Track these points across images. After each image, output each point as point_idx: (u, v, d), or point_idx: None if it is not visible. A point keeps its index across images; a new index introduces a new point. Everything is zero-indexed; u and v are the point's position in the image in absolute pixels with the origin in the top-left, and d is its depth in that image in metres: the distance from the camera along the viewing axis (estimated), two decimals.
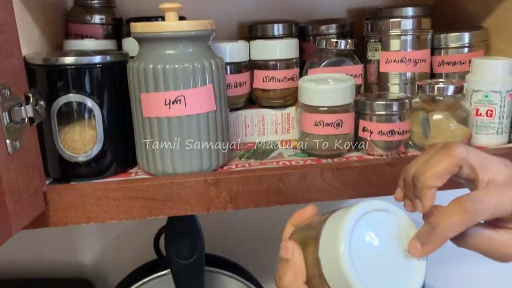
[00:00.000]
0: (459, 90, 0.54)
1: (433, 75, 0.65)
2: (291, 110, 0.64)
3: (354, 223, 0.33)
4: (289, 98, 0.64)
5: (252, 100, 0.66)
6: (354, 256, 0.32)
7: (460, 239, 0.35)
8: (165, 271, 0.71)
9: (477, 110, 0.57)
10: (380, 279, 0.33)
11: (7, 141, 0.41)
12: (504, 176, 0.35)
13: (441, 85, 0.55)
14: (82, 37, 0.63)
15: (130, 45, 0.59)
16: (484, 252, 0.36)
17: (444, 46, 0.63)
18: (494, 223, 0.36)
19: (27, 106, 0.44)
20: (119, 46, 0.64)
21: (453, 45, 0.63)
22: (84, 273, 0.88)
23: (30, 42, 0.56)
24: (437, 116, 0.55)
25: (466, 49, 0.63)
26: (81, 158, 0.51)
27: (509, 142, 0.58)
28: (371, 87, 0.66)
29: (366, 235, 0.33)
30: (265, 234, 0.89)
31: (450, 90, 0.54)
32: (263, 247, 0.90)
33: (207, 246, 0.69)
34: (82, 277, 0.87)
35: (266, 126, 0.64)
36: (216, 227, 0.89)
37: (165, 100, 0.49)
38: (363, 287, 0.31)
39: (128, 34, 0.62)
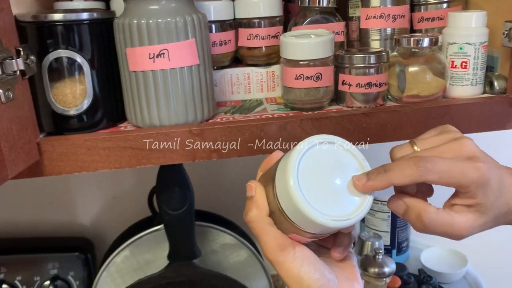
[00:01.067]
0: (434, 42, 0.57)
1: (413, 32, 0.67)
2: (276, 68, 0.66)
3: (300, 157, 0.36)
4: (273, 56, 0.66)
5: (238, 60, 0.68)
6: (303, 187, 0.35)
7: (422, 229, 0.38)
8: (159, 226, 0.75)
9: (452, 62, 0.59)
10: (329, 205, 0.36)
11: (0, 90, 0.44)
12: (462, 152, 0.38)
13: (417, 37, 0.57)
14: None
15: (117, 7, 0.61)
16: (442, 236, 0.39)
17: (423, 2, 0.65)
18: (451, 200, 0.39)
19: (18, 59, 0.46)
20: (107, 8, 0.66)
21: (432, 1, 0.64)
22: (84, 232, 0.92)
23: (22, 3, 0.58)
24: (413, 68, 0.58)
25: (445, 5, 0.64)
26: (72, 111, 0.54)
27: (484, 93, 0.61)
28: (353, 44, 0.68)
29: (314, 166, 0.37)
30: None
31: (426, 42, 0.56)
32: None
33: (200, 204, 0.72)
34: (82, 235, 0.91)
35: (251, 84, 0.66)
36: (209, 185, 0.92)
37: (150, 54, 0.51)
38: (313, 212, 0.35)
39: None
